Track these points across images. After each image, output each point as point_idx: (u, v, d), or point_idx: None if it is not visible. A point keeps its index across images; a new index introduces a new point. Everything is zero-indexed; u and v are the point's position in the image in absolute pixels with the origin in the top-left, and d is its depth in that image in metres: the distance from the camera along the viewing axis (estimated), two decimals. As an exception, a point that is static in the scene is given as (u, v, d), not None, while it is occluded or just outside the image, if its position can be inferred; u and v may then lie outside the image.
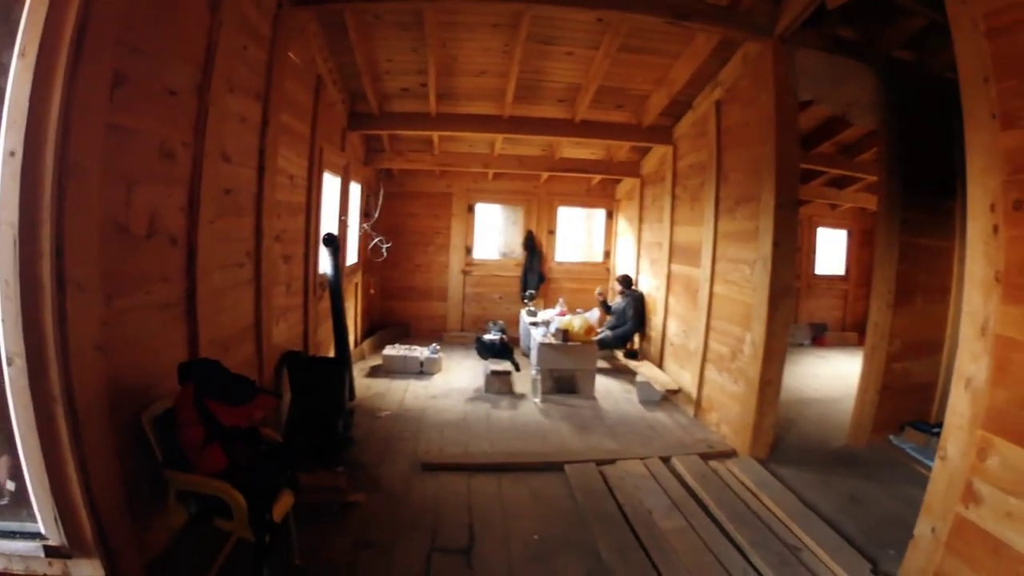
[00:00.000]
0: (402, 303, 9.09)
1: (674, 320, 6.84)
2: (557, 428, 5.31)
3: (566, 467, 4.34)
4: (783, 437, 5.20)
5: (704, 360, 5.72)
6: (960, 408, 2.74)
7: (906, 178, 4.94)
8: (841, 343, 10.04)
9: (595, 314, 6.84)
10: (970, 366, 2.71)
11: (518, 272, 9.10)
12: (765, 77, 4.67)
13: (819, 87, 4.80)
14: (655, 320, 7.36)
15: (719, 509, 3.81)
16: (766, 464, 4.56)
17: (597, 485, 4.10)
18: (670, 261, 6.95)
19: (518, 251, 9.20)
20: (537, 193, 9.11)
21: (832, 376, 7.84)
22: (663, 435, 5.26)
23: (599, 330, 7.29)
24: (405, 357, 6.91)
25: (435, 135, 7.37)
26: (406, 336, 8.81)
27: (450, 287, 9.11)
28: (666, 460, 4.58)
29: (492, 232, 9.46)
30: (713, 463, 4.59)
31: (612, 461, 4.50)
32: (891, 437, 5.10)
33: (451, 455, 4.54)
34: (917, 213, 5.00)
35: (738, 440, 4.87)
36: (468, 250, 9.13)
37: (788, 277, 4.70)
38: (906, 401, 5.24)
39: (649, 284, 7.75)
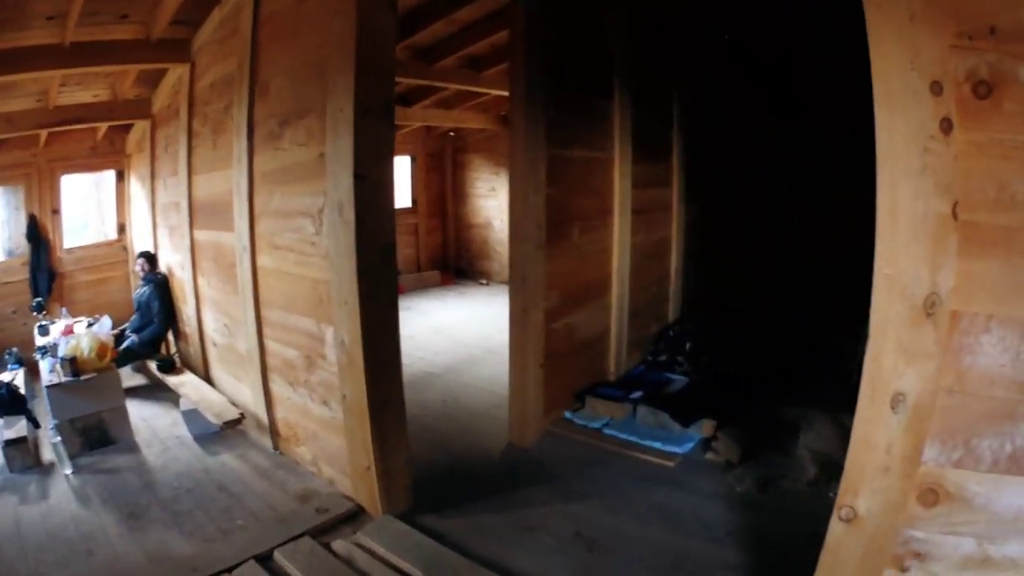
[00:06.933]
0: None
1: (211, 310, 5.07)
2: (101, 527, 3.37)
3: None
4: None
5: (265, 369, 4.12)
6: (884, 442, 1.78)
7: (547, 70, 3.93)
8: (422, 286, 9.29)
9: (107, 324, 4.96)
10: (905, 373, 1.71)
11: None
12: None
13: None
14: (186, 311, 5.58)
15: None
16: (417, 521, 3.17)
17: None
18: (192, 226, 5.17)
19: (25, 245, 7.01)
20: (37, 163, 6.89)
21: (436, 333, 6.92)
22: (244, 499, 3.58)
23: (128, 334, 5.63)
24: None
25: None
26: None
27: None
28: (266, 559, 2.96)
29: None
30: (338, 545, 3.04)
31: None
32: (568, 415, 4.26)
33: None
34: (564, 116, 4.09)
35: (357, 488, 3.42)
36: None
37: (387, 230, 3.22)
38: (576, 365, 4.49)
39: (172, 260, 5.92)
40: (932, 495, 1.71)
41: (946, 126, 1.57)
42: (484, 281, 9.76)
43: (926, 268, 1.62)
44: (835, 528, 1.86)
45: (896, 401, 1.69)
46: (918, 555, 1.76)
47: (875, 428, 1.74)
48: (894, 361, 1.68)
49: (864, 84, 1.73)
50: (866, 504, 1.79)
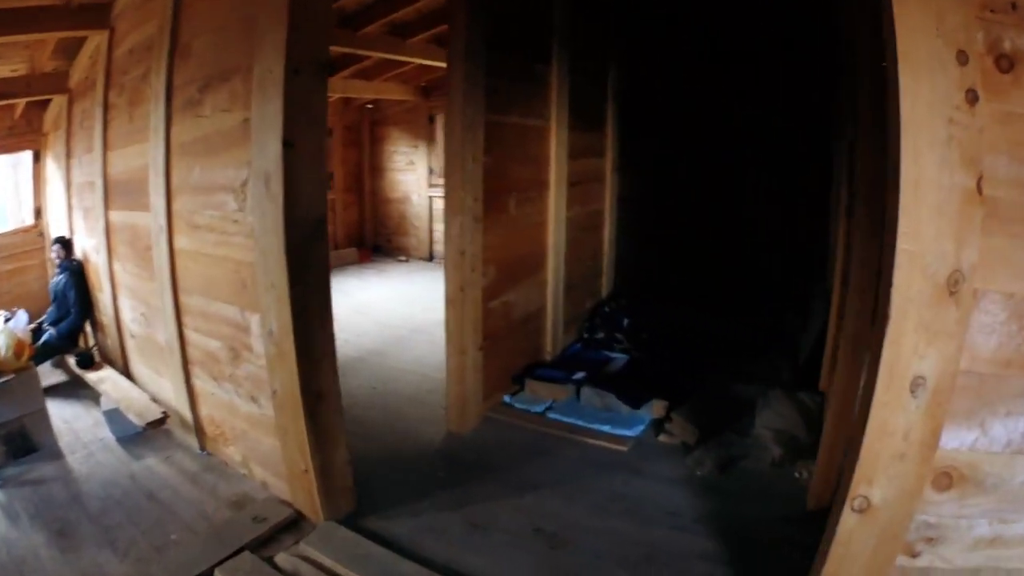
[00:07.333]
0: None
1: (127, 297, 4.61)
2: (32, 549, 2.96)
3: None
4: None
5: (186, 362, 3.74)
6: (902, 428, 1.68)
7: (487, 31, 3.69)
8: (339, 264, 8.79)
9: (23, 318, 4.44)
10: (926, 354, 1.63)
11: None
12: None
13: None
14: (103, 299, 5.06)
15: None
16: (361, 525, 2.92)
17: None
18: (107, 207, 4.65)
19: (-58, 235, 6.36)
20: (-46, 145, 6.25)
21: (358, 314, 6.59)
22: (175, 508, 3.22)
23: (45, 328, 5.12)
24: None
25: None
26: None
27: None
28: (205, 580, 2.69)
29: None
30: (282, 559, 2.77)
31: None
32: (507, 399, 4.07)
33: None
34: (502, 80, 3.89)
35: (294, 492, 3.12)
36: None
37: (319, 203, 2.88)
38: (514, 345, 4.30)
39: (87, 245, 5.35)
40: (946, 478, 1.68)
41: (971, 97, 1.52)
42: (403, 258, 9.44)
43: (951, 244, 1.55)
44: (847, 520, 1.76)
45: (916, 385, 1.62)
46: (930, 540, 1.73)
47: (892, 414, 1.65)
48: (915, 342, 1.60)
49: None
50: (881, 493, 1.71)
